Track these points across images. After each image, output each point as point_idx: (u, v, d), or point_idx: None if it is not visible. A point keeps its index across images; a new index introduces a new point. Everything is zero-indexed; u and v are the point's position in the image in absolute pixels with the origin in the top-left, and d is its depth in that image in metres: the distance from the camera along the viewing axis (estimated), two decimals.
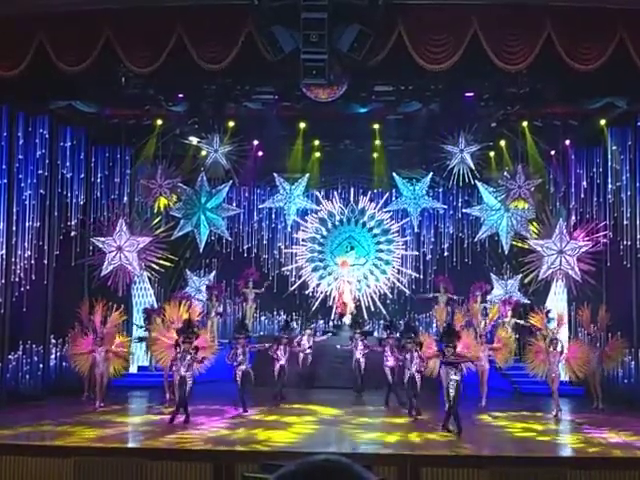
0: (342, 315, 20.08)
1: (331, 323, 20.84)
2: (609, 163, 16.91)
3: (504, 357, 15.47)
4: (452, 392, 12.38)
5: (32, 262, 15.93)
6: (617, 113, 16.10)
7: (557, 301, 18.11)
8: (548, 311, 15.63)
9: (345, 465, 1.35)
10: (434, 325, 20.12)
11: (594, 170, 17.73)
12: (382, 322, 20.24)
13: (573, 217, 18.02)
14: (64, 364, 16.57)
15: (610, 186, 16.94)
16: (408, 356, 13.84)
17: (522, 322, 17.45)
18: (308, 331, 17.68)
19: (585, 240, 16.59)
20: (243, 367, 14.33)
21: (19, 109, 15.53)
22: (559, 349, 14.43)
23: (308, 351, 17.18)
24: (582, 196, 18.08)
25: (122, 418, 13.91)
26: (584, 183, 18.04)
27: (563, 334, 15.83)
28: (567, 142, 17.96)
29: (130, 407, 15.72)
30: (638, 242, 15.80)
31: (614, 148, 16.68)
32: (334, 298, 20.47)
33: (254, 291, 20.44)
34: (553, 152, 18.42)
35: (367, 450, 11.18)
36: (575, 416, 14.41)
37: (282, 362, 15.58)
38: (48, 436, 11.72)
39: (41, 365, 16.20)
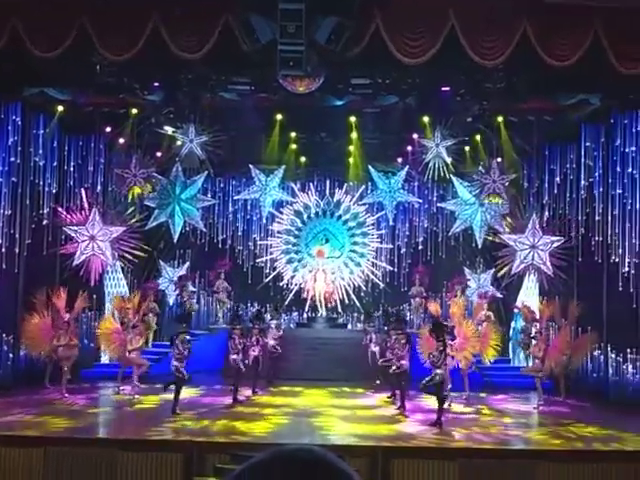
0: (316, 307, 20.11)
1: (305, 315, 20.85)
2: (582, 159, 17.07)
3: (490, 352, 15.46)
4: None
5: (3, 250, 15.73)
6: (591, 110, 16.24)
7: (529, 295, 18.27)
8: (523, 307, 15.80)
9: (319, 454, 1.31)
10: (407, 317, 20.20)
11: (567, 166, 17.87)
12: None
13: (546, 212, 18.17)
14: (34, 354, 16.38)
15: (583, 182, 17.10)
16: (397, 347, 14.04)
17: (491, 315, 17.60)
18: (275, 322, 17.62)
19: (557, 235, 16.75)
20: (234, 357, 14.51)
21: None
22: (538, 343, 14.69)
23: (273, 342, 17.01)
24: (555, 192, 18.24)
25: (92, 408, 13.83)
26: (557, 179, 18.20)
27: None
28: (541, 138, 18.08)
29: (101, 397, 15.61)
30: (609, 238, 15.97)
31: (587, 144, 16.83)
32: (308, 291, 20.42)
33: (225, 284, 20.42)
34: (527, 148, 18.54)
35: (338, 442, 11.20)
36: (544, 409, 14.57)
37: (255, 353, 15.48)
38: (17, 426, 11.60)
39: (11, 355, 16.01)
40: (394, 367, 14.08)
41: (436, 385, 12.58)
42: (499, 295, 19.37)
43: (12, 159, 16.00)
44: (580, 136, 16.94)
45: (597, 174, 16.56)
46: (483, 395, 16.00)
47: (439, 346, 12.81)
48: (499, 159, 18.28)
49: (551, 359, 14.93)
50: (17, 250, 16.13)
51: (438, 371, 12.58)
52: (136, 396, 14.58)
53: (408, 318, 20.03)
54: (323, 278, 20.13)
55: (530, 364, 15.82)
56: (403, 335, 14.24)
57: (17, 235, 16.15)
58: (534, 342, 15.03)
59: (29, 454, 10.38)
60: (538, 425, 13.49)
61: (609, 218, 15.99)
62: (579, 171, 17.29)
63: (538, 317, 15.36)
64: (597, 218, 16.42)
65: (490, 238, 19.18)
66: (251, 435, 11.37)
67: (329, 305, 20.26)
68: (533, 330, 15.35)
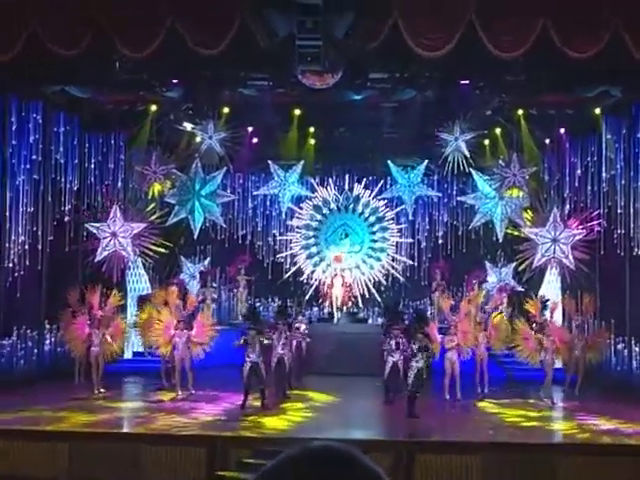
0: (332, 304, 20.04)
1: (326, 310, 20.84)
2: (604, 152, 16.93)
3: (499, 342, 15.36)
4: (411, 378, 12.49)
5: (26, 247, 15.89)
6: (612, 102, 16.10)
7: (551, 289, 18.15)
8: (546, 300, 15.61)
9: (346, 452, 1.32)
10: (429, 312, 20.13)
11: (589, 159, 17.74)
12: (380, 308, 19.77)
13: (567, 205, 18.05)
14: (59, 349, 16.55)
15: (604, 175, 16.97)
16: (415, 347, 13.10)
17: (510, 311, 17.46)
18: (301, 317, 17.56)
19: (579, 228, 16.64)
20: (279, 352, 14.06)
21: (12, 94, 15.44)
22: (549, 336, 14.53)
23: (302, 337, 16.90)
24: (576, 185, 18.11)
25: (116, 403, 13.94)
26: (578, 172, 18.07)
27: (557, 322, 15.87)
28: (562, 131, 17.95)
29: (124, 393, 15.73)
30: (632, 231, 15.83)
31: (609, 137, 16.69)
32: (326, 294, 20.29)
33: (245, 278, 20.48)
34: (548, 140, 18.40)
35: (360, 436, 11.22)
36: (566, 403, 14.48)
37: (280, 350, 14.18)
38: (42, 421, 11.72)
39: (35, 350, 16.20)
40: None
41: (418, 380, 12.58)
42: (520, 289, 19.25)
43: (34, 157, 16.16)
44: (601, 128, 16.79)
45: (619, 167, 16.43)
46: (504, 389, 15.90)
47: (419, 338, 12.79)
48: (519, 152, 18.15)
49: (559, 352, 14.74)
50: (40, 247, 16.29)
51: (414, 364, 12.55)
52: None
53: (429, 313, 19.97)
54: (340, 283, 20.05)
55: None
56: (399, 329, 14.12)
57: (39, 232, 16.31)
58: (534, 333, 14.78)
59: (54, 449, 10.50)
60: (560, 419, 13.42)
61: (631, 211, 15.85)
62: (600, 164, 17.15)
63: (549, 311, 15.24)
64: (619, 211, 16.28)
65: (511, 232, 19.08)
66: (273, 430, 11.41)
67: (346, 309, 20.14)
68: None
